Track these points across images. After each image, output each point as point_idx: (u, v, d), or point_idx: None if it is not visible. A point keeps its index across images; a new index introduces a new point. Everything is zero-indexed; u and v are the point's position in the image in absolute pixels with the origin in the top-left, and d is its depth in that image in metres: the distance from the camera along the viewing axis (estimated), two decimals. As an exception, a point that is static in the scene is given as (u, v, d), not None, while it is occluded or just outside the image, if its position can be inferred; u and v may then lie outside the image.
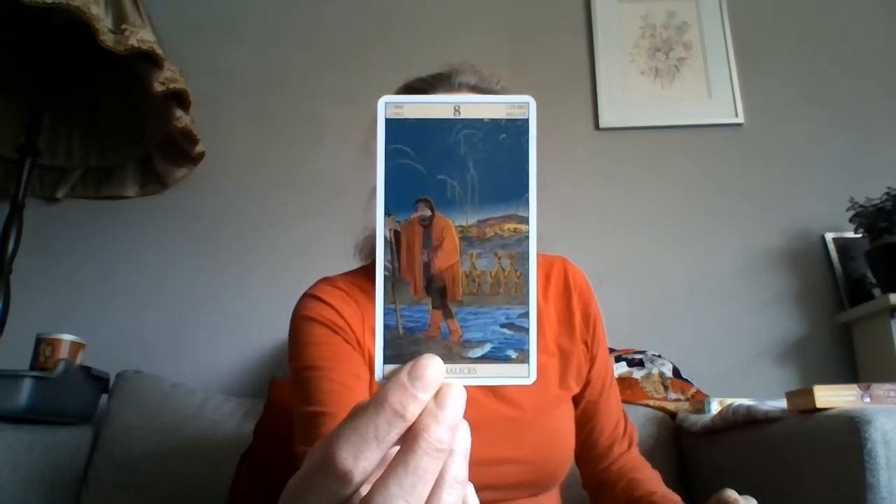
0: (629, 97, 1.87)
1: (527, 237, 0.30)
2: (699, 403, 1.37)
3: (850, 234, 1.64)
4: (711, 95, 1.86)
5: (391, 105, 0.30)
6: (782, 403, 0.99)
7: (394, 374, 0.27)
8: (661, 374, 1.46)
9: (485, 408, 0.77)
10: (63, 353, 1.29)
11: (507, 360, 0.30)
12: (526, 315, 0.30)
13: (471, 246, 0.30)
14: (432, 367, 0.27)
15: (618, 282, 1.65)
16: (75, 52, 1.62)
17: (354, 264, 0.90)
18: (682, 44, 1.91)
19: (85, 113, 1.73)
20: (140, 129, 1.69)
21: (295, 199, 1.80)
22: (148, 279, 1.73)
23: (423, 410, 0.26)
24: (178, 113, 1.55)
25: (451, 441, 0.26)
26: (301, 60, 1.93)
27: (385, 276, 0.30)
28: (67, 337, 1.31)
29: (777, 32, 1.92)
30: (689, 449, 1.33)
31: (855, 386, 0.89)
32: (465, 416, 0.27)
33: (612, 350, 1.43)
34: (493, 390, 0.78)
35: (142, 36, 1.36)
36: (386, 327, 0.29)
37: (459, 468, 0.27)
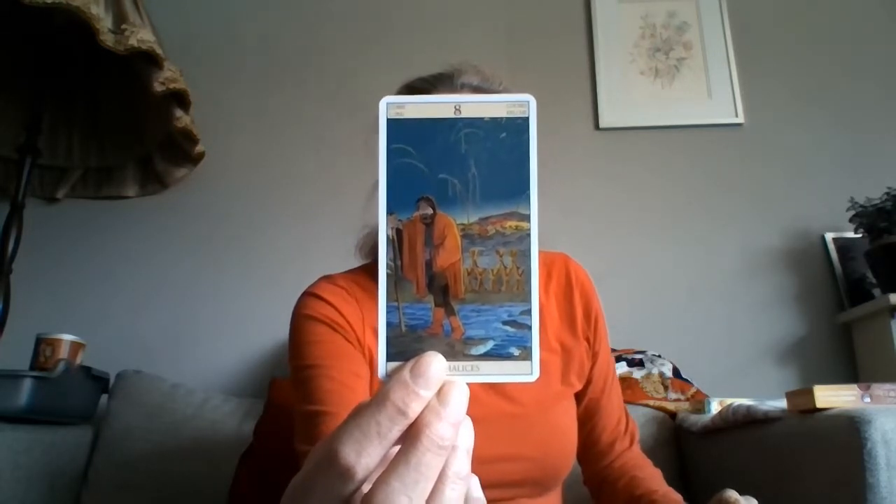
0: (629, 97, 1.87)
1: (528, 234, 0.30)
2: (699, 403, 1.37)
3: (850, 234, 1.64)
4: (711, 95, 1.86)
5: (393, 105, 0.31)
6: (782, 403, 0.99)
7: (396, 371, 0.27)
8: (661, 374, 1.46)
9: (486, 405, 0.77)
10: (63, 353, 1.29)
11: (510, 357, 0.30)
12: (528, 312, 0.30)
13: (472, 244, 0.30)
14: (434, 364, 0.27)
15: (618, 282, 1.65)
16: (75, 52, 1.62)
17: (354, 263, 0.90)
18: (682, 44, 1.92)
19: (85, 113, 1.73)
20: (140, 129, 1.69)
21: (295, 199, 1.80)
22: (148, 279, 1.73)
23: (426, 407, 0.26)
24: (178, 113, 1.55)
25: (453, 438, 0.26)
26: (301, 60, 1.93)
27: (388, 274, 0.30)
28: (67, 337, 1.31)
29: (777, 32, 1.92)
30: (689, 449, 1.33)
31: (855, 386, 0.89)
32: (467, 413, 0.27)
33: (612, 350, 1.43)
34: (494, 387, 0.78)
35: (142, 36, 1.36)
36: (389, 325, 0.30)
37: (462, 464, 0.27)
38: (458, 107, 0.31)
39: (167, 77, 1.45)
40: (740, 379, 1.57)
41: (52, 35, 1.57)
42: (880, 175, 1.65)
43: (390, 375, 0.28)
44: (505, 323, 0.30)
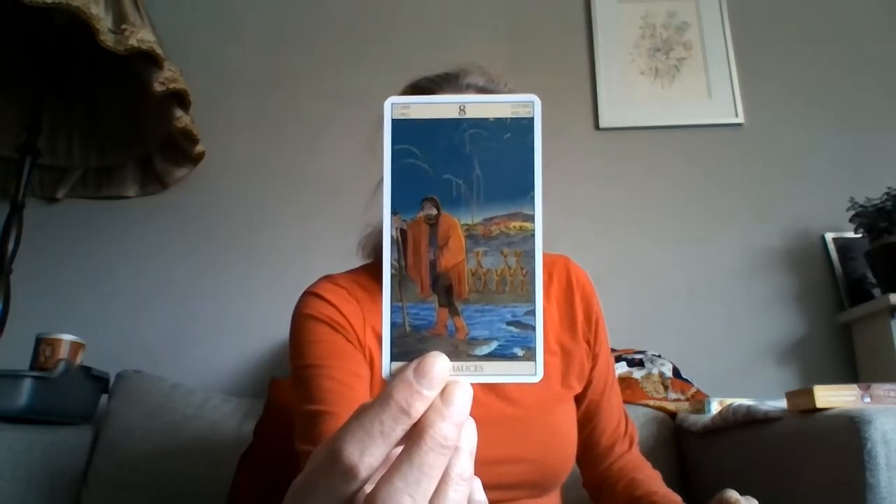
0: (629, 97, 1.87)
1: (533, 235, 0.30)
2: (699, 403, 1.37)
3: (850, 234, 1.64)
4: (711, 95, 1.86)
5: (397, 106, 0.31)
6: (782, 403, 0.99)
7: (400, 371, 0.27)
8: (661, 374, 1.46)
9: (486, 406, 0.77)
10: (63, 353, 1.29)
11: (514, 357, 0.30)
12: (532, 313, 0.30)
13: (476, 244, 0.30)
14: (438, 364, 0.27)
15: (618, 282, 1.65)
16: (75, 52, 1.62)
17: (355, 263, 0.90)
18: (682, 44, 1.92)
19: (85, 113, 1.73)
20: (140, 129, 1.68)
21: (295, 199, 1.80)
22: (148, 279, 1.72)
23: (430, 407, 0.26)
24: (178, 113, 1.55)
25: (456, 438, 0.26)
26: (301, 60, 1.93)
27: (392, 274, 0.30)
28: (67, 337, 1.31)
29: (777, 32, 1.92)
30: (689, 449, 1.33)
31: (855, 386, 0.89)
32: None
33: (612, 350, 1.43)
34: (494, 389, 0.78)
35: (142, 36, 1.36)
36: (393, 325, 0.30)
37: (465, 465, 0.27)
38: (462, 107, 0.31)
39: (167, 77, 1.45)
40: (740, 379, 1.57)
41: (52, 35, 1.57)
42: (880, 175, 1.65)
43: (394, 375, 0.28)
44: (509, 323, 0.30)
